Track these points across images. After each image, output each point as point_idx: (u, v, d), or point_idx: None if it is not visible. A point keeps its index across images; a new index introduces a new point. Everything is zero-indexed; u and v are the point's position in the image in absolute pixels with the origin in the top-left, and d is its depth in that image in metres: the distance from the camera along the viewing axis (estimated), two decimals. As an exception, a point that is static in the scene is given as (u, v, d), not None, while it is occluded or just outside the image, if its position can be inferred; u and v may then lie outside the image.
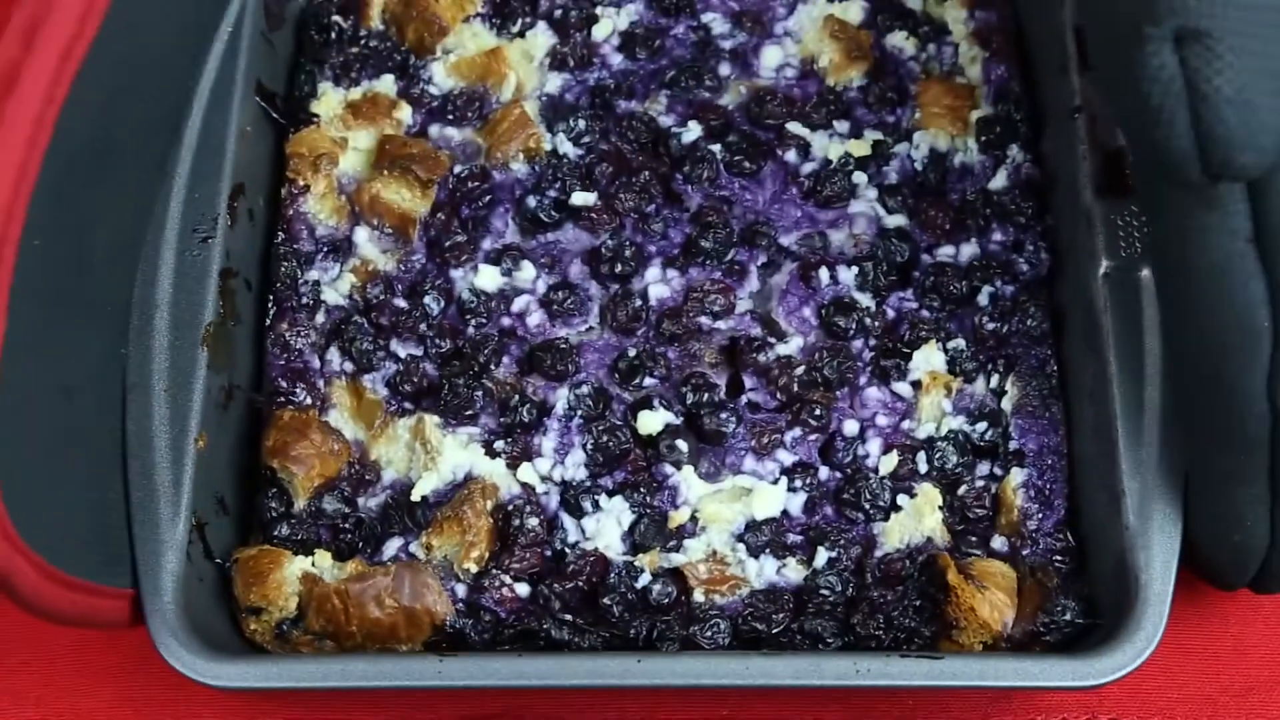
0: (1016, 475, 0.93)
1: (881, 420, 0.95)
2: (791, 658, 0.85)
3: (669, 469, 0.93)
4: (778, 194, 1.02)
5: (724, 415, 0.94)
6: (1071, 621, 0.89)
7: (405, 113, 1.04)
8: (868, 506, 0.93)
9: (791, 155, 1.02)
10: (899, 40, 1.07)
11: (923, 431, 0.95)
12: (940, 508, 0.93)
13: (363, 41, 1.07)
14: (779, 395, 0.95)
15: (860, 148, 1.03)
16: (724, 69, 1.06)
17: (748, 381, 0.96)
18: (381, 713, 0.95)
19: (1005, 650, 0.89)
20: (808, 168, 1.02)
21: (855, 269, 0.99)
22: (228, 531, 0.93)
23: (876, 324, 0.97)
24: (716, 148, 1.02)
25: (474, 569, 0.90)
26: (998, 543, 0.93)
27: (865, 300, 0.98)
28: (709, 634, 0.88)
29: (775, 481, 0.93)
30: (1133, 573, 0.87)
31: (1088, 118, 0.98)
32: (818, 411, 0.94)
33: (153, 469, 0.89)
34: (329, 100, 1.04)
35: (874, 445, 0.95)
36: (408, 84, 1.06)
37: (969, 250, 1.00)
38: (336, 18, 1.08)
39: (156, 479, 0.89)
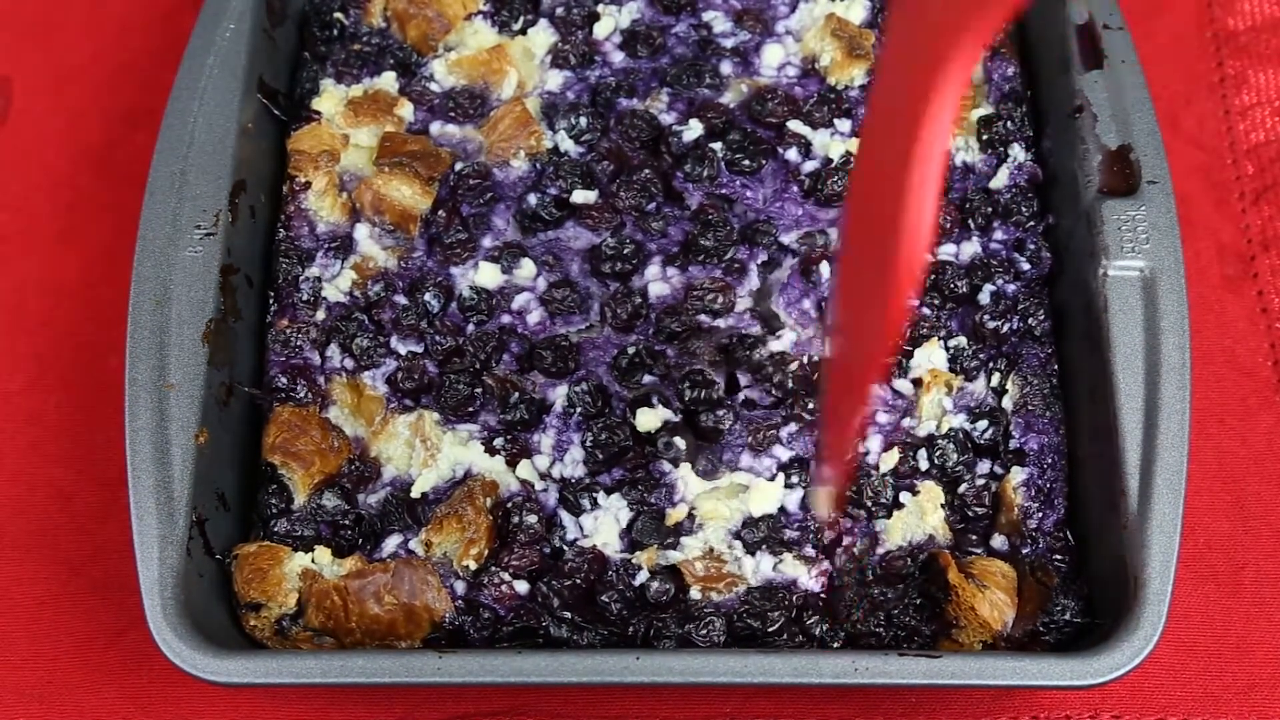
0: (1018, 474, 0.93)
1: (882, 418, 0.95)
2: (790, 656, 0.85)
3: (666, 466, 0.93)
4: (779, 192, 1.01)
5: (720, 412, 0.94)
6: (1071, 621, 0.89)
7: (407, 110, 1.04)
8: (870, 504, 0.93)
9: (793, 154, 1.02)
10: (901, 38, 1.06)
11: (923, 429, 0.95)
12: (942, 505, 0.93)
13: (365, 38, 1.07)
14: (774, 391, 0.95)
15: (864, 145, 1.02)
16: (725, 67, 1.05)
17: (742, 379, 0.96)
18: (381, 709, 0.95)
19: (1005, 649, 0.89)
20: (809, 166, 1.02)
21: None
22: (228, 527, 0.93)
23: None
24: (717, 146, 1.01)
25: (473, 566, 0.90)
26: (998, 541, 0.92)
27: None
28: (704, 632, 0.88)
29: (772, 478, 0.93)
30: (1132, 572, 0.87)
31: (1089, 117, 0.98)
32: (813, 406, 0.94)
33: (153, 464, 0.89)
34: (330, 97, 1.04)
35: (874, 442, 0.94)
36: (409, 81, 1.06)
37: (970, 249, 1.00)
38: (339, 14, 1.08)
39: (157, 474, 0.89)
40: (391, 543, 0.91)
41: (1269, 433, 1.04)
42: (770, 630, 0.89)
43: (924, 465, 0.94)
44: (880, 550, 0.92)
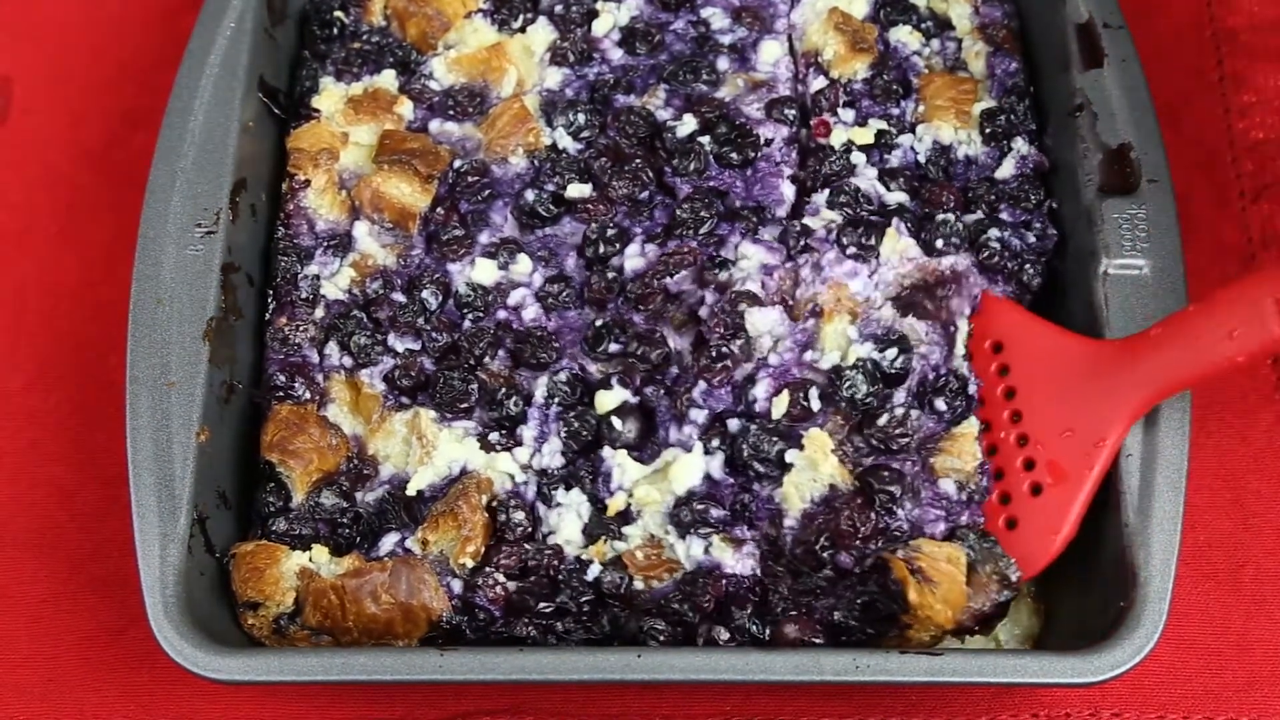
0: (974, 423, 0.91)
1: (773, 359, 0.93)
2: (791, 654, 0.85)
3: (606, 454, 0.92)
4: (774, 175, 1.01)
5: (649, 389, 0.92)
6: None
7: (406, 108, 1.04)
8: (758, 466, 0.89)
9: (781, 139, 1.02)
10: (903, 35, 1.06)
11: (827, 362, 0.92)
12: (832, 450, 0.89)
13: (364, 37, 1.07)
14: (719, 325, 0.92)
15: (864, 135, 1.02)
16: (722, 63, 1.05)
17: (709, 297, 0.93)
18: (382, 708, 0.95)
19: (1005, 649, 0.89)
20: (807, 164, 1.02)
21: (826, 191, 0.98)
22: (229, 525, 0.93)
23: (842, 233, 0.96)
24: (705, 139, 1.01)
25: (470, 564, 0.89)
26: (948, 486, 0.90)
27: (832, 215, 0.97)
28: (648, 626, 0.87)
29: (690, 448, 0.91)
30: (1132, 570, 0.87)
31: (1089, 116, 0.98)
32: (723, 349, 0.92)
33: (154, 462, 0.89)
34: (330, 95, 1.04)
35: (761, 388, 0.92)
36: (409, 79, 1.06)
37: (972, 218, 0.99)
38: (339, 13, 1.08)
39: (158, 472, 0.89)
40: (389, 541, 0.91)
41: (1269, 430, 1.03)
42: (700, 621, 0.87)
43: (815, 405, 0.91)
44: (788, 524, 0.89)
